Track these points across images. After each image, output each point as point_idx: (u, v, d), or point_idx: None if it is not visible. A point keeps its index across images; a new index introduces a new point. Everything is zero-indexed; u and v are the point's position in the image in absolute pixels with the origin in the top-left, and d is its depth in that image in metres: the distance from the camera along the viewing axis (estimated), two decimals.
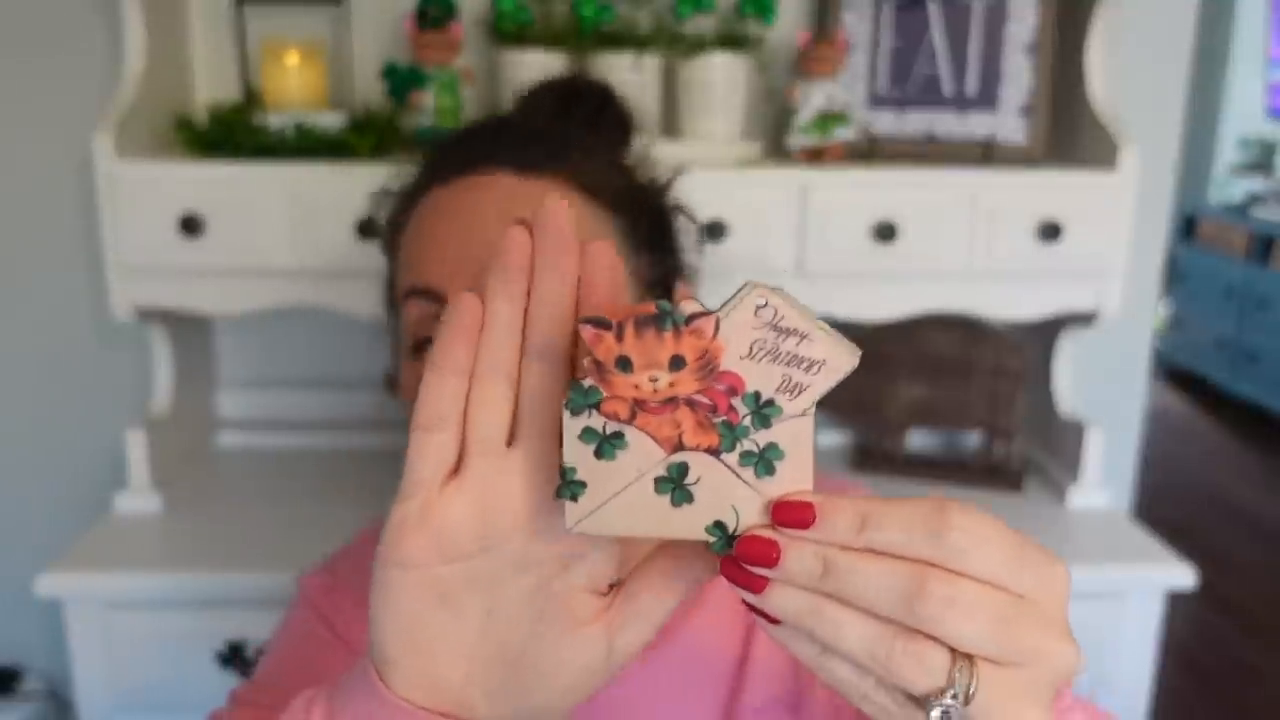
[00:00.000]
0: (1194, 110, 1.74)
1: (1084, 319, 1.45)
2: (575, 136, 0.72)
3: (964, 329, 1.55)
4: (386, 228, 0.74)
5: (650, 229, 0.72)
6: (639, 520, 0.39)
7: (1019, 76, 1.49)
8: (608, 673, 0.43)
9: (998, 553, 0.39)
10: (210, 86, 1.52)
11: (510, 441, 0.41)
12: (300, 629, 0.78)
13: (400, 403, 0.73)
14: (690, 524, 0.39)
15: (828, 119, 1.39)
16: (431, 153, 0.74)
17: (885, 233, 1.33)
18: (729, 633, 0.73)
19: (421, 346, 0.65)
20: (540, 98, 0.77)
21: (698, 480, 0.39)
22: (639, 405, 0.38)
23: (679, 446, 0.38)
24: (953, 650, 0.38)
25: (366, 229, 1.31)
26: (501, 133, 0.69)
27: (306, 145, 1.34)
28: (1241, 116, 5.14)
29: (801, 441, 0.38)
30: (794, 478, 0.38)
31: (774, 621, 0.39)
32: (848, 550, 0.37)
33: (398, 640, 0.42)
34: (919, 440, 1.66)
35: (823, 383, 0.38)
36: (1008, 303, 1.42)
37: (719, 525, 0.39)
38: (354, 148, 1.35)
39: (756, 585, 0.38)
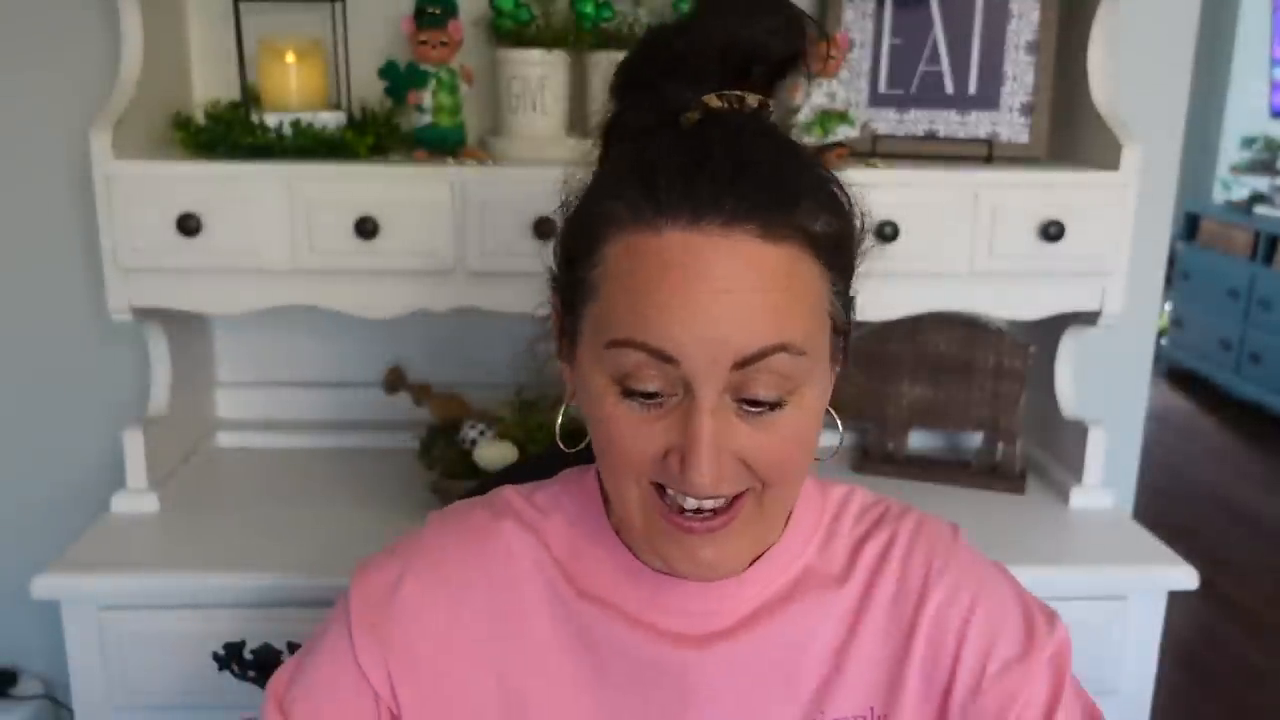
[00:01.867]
0: (1196, 109, 1.74)
1: (1086, 319, 1.44)
2: (794, 168, 0.66)
3: (966, 329, 1.54)
4: (582, 221, 0.68)
5: (847, 274, 0.70)
6: None
7: (1021, 75, 1.48)
8: None
9: None
10: (208, 86, 1.52)
11: None
12: (343, 679, 0.75)
13: (564, 378, 0.72)
14: None
15: (829, 117, 1.39)
16: (645, 163, 0.65)
17: (886, 232, 1.32)
18: (826, 635, 0.73)
19: (631, 395, 0.63)
20: (724, 8, 0.69)
21: None
22: None
23: None
24: None
25: (365, 229, 1.30)
26: (745, 170, 0.63)
27: (304, 144, 1.33)
28: (1244, 115, 5.14)
29: None
30: None
31: None
32: None
33: None
34: (920, 441, 1.65)
35: None
36: (1009, 303, 1.41)
37: None
38: (352, 147, 1.34)
39: None
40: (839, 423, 0.74)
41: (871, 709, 0.72)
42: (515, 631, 0.73)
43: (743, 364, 0.61)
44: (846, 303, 0.70)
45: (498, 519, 0.76)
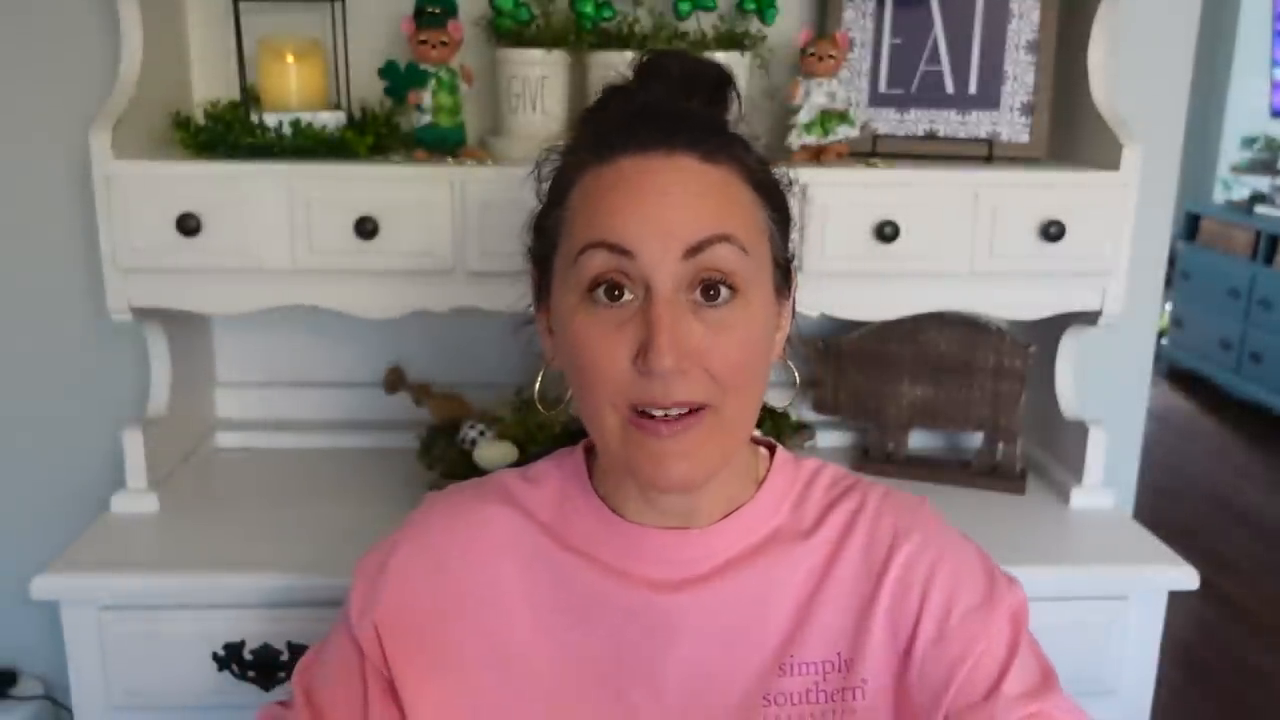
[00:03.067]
0: (1196, 109, 1.74)
1: (1086, 319, 1.44)
2: (729, 124, 0.80)
3: (966, 329, 1.54)
4: (551, 184, 0.79)
5: (783, 217, 0.80)
6: None
7: (1021, 75, 1.48)
8: None
9: None
10: (208, 86, 1.52)
11: None
12: (353, 669, 0.83)
13: (542, 346, 0.83)
14: None
15: (829, 117, 1.38)
16: (599, 123, 0.79)
17: (886, 232, 1.32)
18: (795, 585, 0.79)
19: (596, 289, 0.71)
20: (659, 74, 0.81)
21: None
22: None
23: None
24: None
25: (365, 228, 1.30)
26: (683, 118, 0.75)
27: (304, 144, 1.33)
28: (1244, 115, 5.14)
29: None
30: None
31: None
32: None
33: None
34: (921, 441, 1.65)
35: None
36: (1010, 302, 1.41)
37: None
38: (352, 147, 1.34)
39: None
40: (795, 374, 0.87)
41: (839, 654, 0.77)
42: (494, 589, 0.80)
43: (691, 252, 0.70)
44: (784, 241, 0.80)
45: (482, 499, 0.85)
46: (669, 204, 0.71)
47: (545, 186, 0.81)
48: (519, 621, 0.80)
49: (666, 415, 0.71)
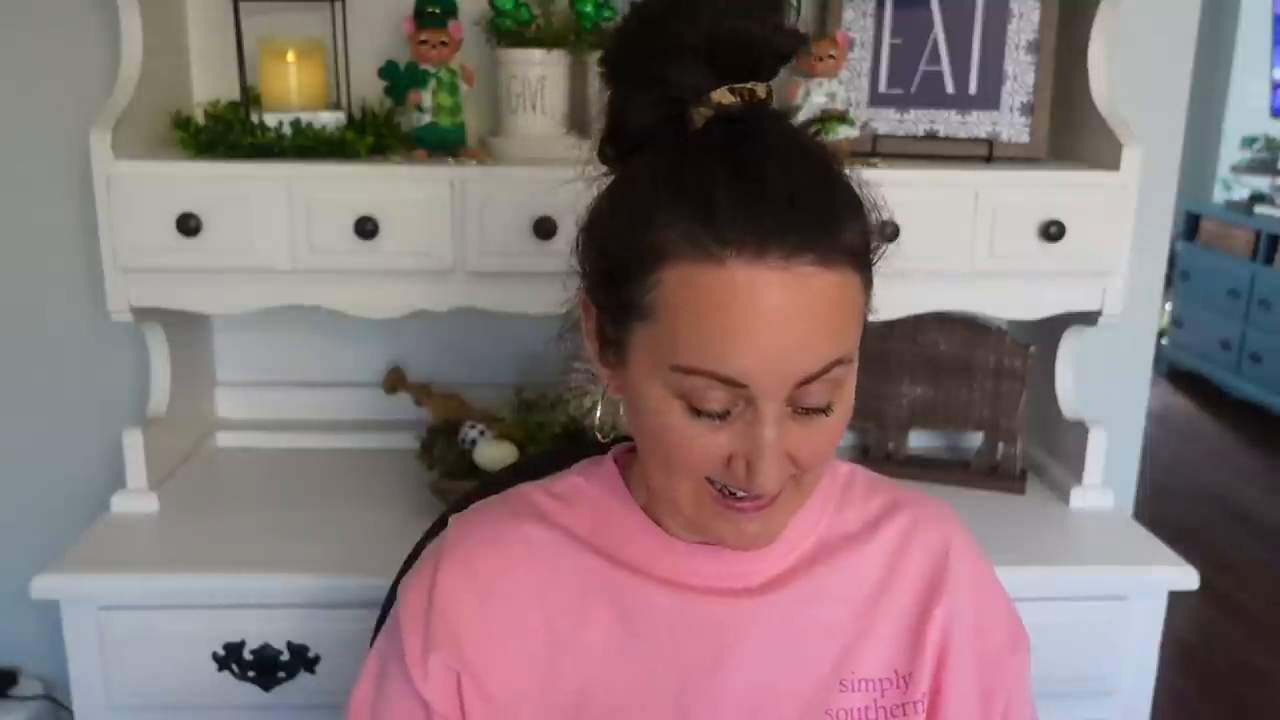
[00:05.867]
0: (1196, 109, 1.74)
1: (1086, 319, 1.44)
2: (832, 183, 0.69)
3: (966, 329, 1.54)
4: (630, 225, 0.69)
5: (871, 264, 0.73)
6: None
7: (1021, 75, 1.48)
8: None
9: None
10: (208, 86, 1.52)
11: None
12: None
13: (595, 369, 0.76)
14: None
15: (829, 117, 1.38)
16: (695, 186, 0.66)
17: (887, 232, 1.31)
18: (852, 597, 0.79)
19: (700, 415, 0.67)
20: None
21: None
22: None
23: None
24: None
25: (365, 229, 1.30)
26: (795, 201, 0.65)
27: (304, 144, 1.33)
28: (1244, 115, 5.13)
29: None
30: None
31: None
32: None
33: None
34: (920, 441, 1.65)
35: None
36: (1010, 303, 1.41)
37: None
38: (352, 147, 1.34)
39: None
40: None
41: (895, 671, 0.77)
42: (545, 609, 0.76)
43: (806, 381, 0.66)
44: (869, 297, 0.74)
45: (517, 517, 0.80)
46: (788, 334, 0.65)
47: (618, 224, 0.70)
48: (570, 640, 0.76)
49: (752, 498, 0.69)
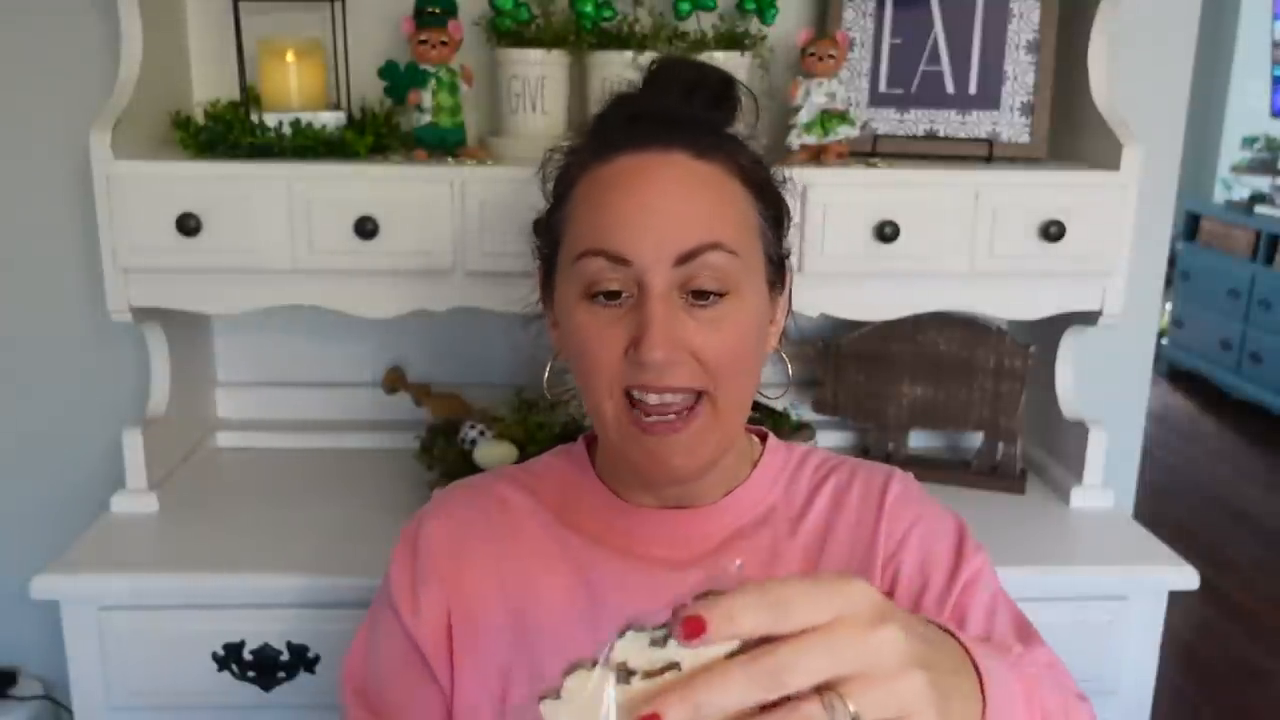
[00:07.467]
0: (1196, 109, 1.74)
1: (1086, 319, 1.44)
2: (726, 125, 0.84)
3: (966, 329, 1.54)
4: (555, 183, 0.83)
5: (777, 214, 0.83)
6: None
7: (1021, 75, 1.48)
8: None
9: (802, 603, 0.44)
10: (208, 86, 1.52)
11: None
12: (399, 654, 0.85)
13: (551, 338, 0.86)
14: None
15: (829, 117, 1.38)
16: (602, 124, 0.83)
17: (886, 232, 1.32)
18: (794, 557, 0.83)
19: (594, 296, 0.75)
20: (666, 81, 0.85)
21: None
22: None
23: None
24: (819, 692, 0.43)
25: (365, 229, 1.30)
26: (678, 118, 0.79)
27: (304, 144, 1.33)
28: (1244, 115, 5.13)
29: None
30: None
31: None
32: (706, 681, 0.43)
33: None
34: (920, 441, 1.65)
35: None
36: (1010, 303, 1.41)
37: None
38: (352, 147, 1.34)
39: None
40: (789, 367, 0.90)
41: None
42: (514, 559, 0.84)
43: (684, 259, 0.73)
44: (778, 237, 0.83)
45: (496, 480, 0.90)
46: (662, 208, 0.74)
47: (550, 187, 0.84)
48: (535, 591, 0.82)
49: (663, 406, 0.75)
